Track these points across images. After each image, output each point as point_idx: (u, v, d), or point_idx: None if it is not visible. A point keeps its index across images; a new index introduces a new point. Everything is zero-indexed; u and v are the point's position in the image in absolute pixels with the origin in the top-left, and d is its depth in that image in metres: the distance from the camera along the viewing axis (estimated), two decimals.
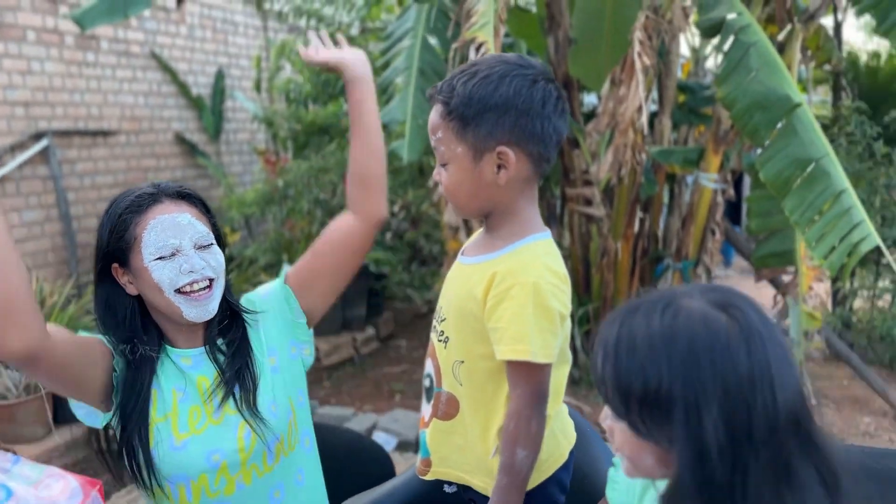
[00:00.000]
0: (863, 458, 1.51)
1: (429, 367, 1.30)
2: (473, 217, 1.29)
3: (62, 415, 3.36)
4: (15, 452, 1.09)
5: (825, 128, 3.69)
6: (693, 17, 4.09)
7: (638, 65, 3.34)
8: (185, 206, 1.34)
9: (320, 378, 4.65)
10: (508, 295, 1.13)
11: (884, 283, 4.59)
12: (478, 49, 2.66)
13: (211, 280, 1.32)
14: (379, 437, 3.62)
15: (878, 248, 2.80)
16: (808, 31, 3.75)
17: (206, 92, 5.98)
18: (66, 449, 3.27)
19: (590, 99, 5.05)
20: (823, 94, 5.70)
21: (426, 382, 1.31)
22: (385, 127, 3.91)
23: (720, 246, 4.54)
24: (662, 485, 0.85)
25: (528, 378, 1.14)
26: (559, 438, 1.26)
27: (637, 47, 3.39)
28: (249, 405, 1.33)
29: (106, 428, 1.35)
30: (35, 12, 4.47)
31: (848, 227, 2.76)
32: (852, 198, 2.82)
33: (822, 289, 4.11)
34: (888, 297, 4.59)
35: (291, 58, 5.79)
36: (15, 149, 4.37)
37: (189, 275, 1.29)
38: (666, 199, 4.57)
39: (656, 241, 4.48)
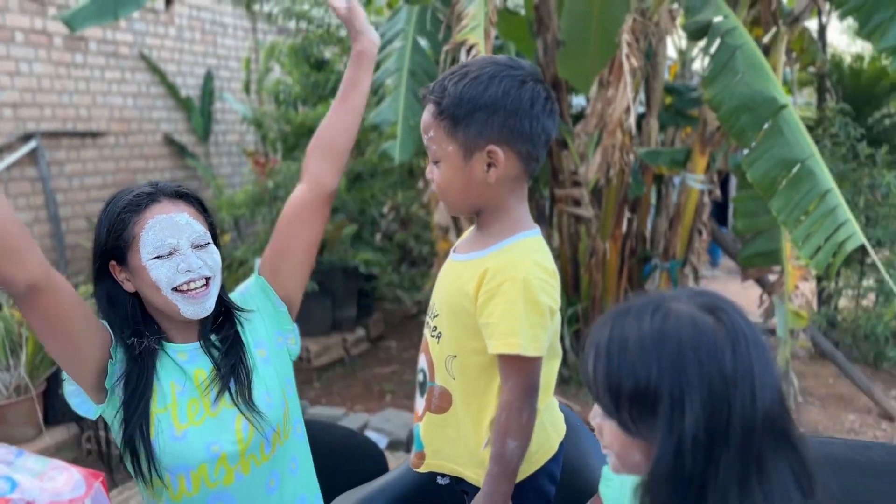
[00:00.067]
0: (846, 451, 1.54)
1: (422, 362, 1.33)
2: (464, 214, 1.31)
3: (53, 416, 3.36)
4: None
5: (810, 129, 3.74)
6: (679, 20, 4.13)
7: (626, 67, 3.38)
8: (183, 206, 1.36)
9: (310, 379, 4.66)
10: (499, 290, 1.16)
11: (868, 282, 4.65)
12: (468, 51, 2.69)
13: (208, 278, 1.35)
14: (370, 437, 3.64)
15: (862, 248, 2.85)
16: (792, 34, 3.81)
17: (195, 93, 5.98)
18: (56, 450, 3.26)
19: (578, 100, 5.09)
20: (808, 95, 5.77)
21: (420, 377, 1.34)
22: (376, 128, 3.93)
23: (707, 246, 4.59)
24: None
25: (520, 371, 1.16)
26: (549, 431, 1.29)
27: (625, 49, 3.42)
28: (245, 399, 1.36)
29: (97, 425, 1.36)
30: (23, 13, 4.46)
31: (833, 227, 2.81)
32: (837, 197, 2.87)
33: (808, 288, 4.16)
34: (872, 296, 4.64)
35: (280, 59, 5.80)
36: (3, 150, 4.36)
37: (186, 274, 1.31)
38: (653, 199, 4.61)
39: (644, 242, 4.52)
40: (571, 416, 1.50)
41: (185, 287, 1.32)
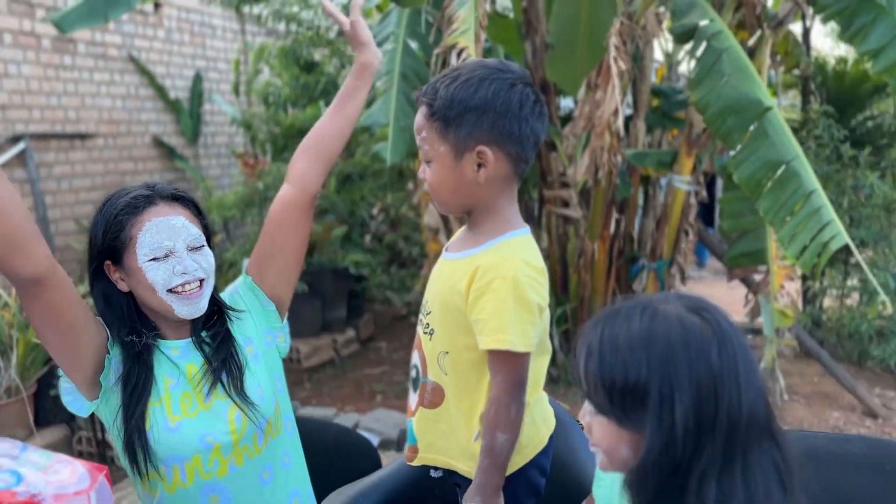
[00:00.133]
0: (827, 444, 1.58)
1: (415, 358, 1.36)
2: (455, 213, 1.34)
3: (44, 417, 3.36)
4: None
5: (795, 131, 3.80)
6: (666, 24, 4.18)
7: (614, 69, 3.42)
8: (179, 209, 1.39)
9: (301, 380, 4.67)
10: (489, 288, 1.19)
11: (852, 282, 4.71)
12: (459, 54, 2.72)
13: (202, 280, 1.38)
14: None
15: (846, 248, 2.90)
16: (777, 37, 3.86)
17: (183, 95, 5.98)
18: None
19: (566, 103, 5.13)
20: (793, 97, 5.84)
21: (413, 373, 1.37)
22: (367, 129, 3.95)
23: (693, 247, 4.64)
24: None
25: (509, 366, 1.20)
26: (539, 425, 1.32)
27: (612, 52, 3.46)
28: (238, 390, 1.39)
29: (92, 426, 1.38)
30: (12, 15, 4.45)
31: (818, 227, 2.86)
32: (822, 198, 2.92)
33: (793, 288, 4.22)
34: (856, 295, 4.70)
35: (270, 61, 5.82)
36: None
37: (182, 276, 1.34)
38: (641, 200, 4.65)
39: (632, 242, 4.56)
40: (561, 411, 1.53)
41: (179, 289, 1.35)
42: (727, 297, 4.88)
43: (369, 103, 3.75)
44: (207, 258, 1.40)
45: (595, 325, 0.92)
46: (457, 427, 1.28)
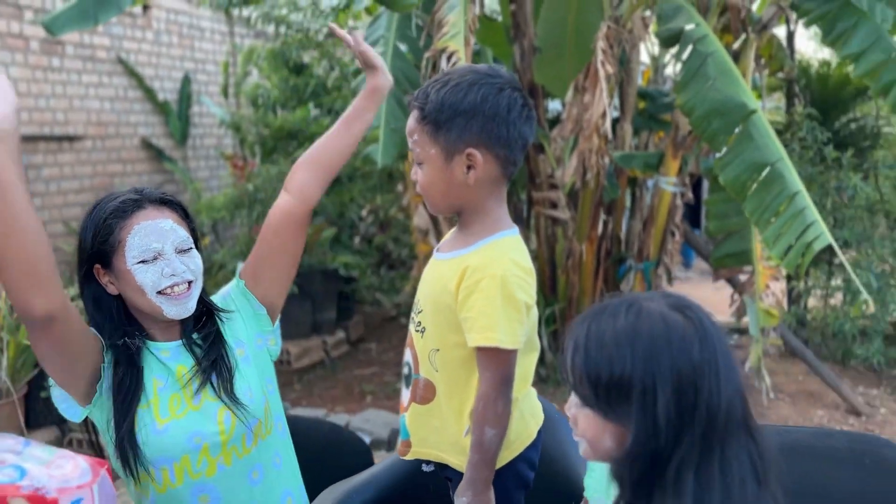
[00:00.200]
0: (810, 439, 1.62)
1: (407, 355, 1.39)
2: (446, 214, 1.38)
3: (34, 419, 3.36)
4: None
5: (779, 133, 3.85)
6: (652, 27, 4.23)
7: (601, 72, 3.46)
8: (167, 212, 1.41)
9: (291, 381, 4.68)
10: (478, 287, 1.23)
11: (836, 282, 4.77)
12: (449, 58, 2.75)
13: (190, 282, 1.41)
14: None
15: (830, 249, 2.94)
16: (761, 41, 3.92)
17: (172, 97, 5.97)
18: None
19: (554, 105, 5.17)
20: (777, 100, 5.90)
21: (405, 370, 1.40)
22: None
23: (680, 247, 4.69)
24: None
25: (497, 363, 1.23)
26: (527, 419, 1.36)
27: (599, 56, 3.51)
28: (227, 391, 1.41)
29: (87, 428, 1.41)
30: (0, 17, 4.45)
31: (802, 227, 2.91)
32: (806, 199, 2.97)
33: (778, 287, 4.27)
34: (840, 295, 4.76)
35: (259, 64, 5.83)
36: None
37: (171, 278, 1.37)
38: (628, 202, 4.70)
39: (619, 243, 4.61)
40: (549, 407, 1.57)
41: (168, 290, 1.37)
42: (713, 297, 4.94)
43: None
44: (195, 260, 1.42)
45: (582, 321, 0.96)
46: (448, 422, 1.31)
